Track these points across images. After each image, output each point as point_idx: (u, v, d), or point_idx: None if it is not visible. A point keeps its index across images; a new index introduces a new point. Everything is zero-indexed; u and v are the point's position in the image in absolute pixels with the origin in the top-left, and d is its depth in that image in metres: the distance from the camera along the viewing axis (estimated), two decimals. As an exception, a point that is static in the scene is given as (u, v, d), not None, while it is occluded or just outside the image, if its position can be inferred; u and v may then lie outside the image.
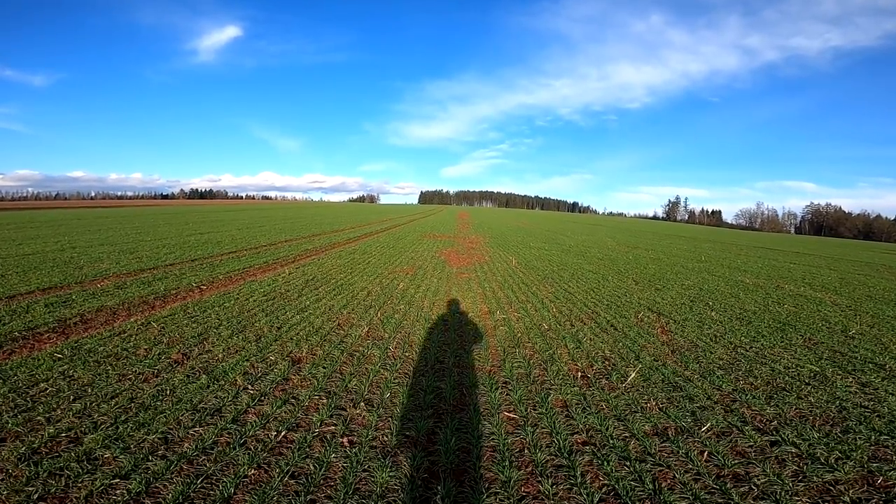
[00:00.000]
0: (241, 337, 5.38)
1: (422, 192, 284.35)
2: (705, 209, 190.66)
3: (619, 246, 22.07)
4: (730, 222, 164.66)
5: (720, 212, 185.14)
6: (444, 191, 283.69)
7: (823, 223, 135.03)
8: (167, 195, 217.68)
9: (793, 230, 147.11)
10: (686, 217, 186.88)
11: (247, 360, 4.67)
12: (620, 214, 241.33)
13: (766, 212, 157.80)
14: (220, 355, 4.80)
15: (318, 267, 10.69)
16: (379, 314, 6.43)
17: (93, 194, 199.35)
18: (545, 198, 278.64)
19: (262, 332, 5.54)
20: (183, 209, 53.90)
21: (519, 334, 5.81)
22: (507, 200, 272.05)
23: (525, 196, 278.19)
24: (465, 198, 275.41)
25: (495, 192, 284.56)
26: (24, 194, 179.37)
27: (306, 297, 7.34)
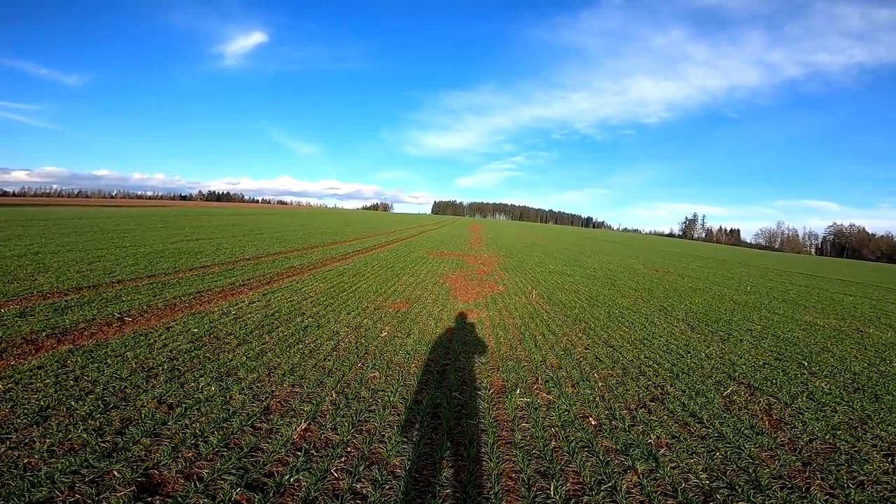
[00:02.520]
0: (97, 422, 3.37)
1: (435, 202, 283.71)
2: (723, 227, 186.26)
3: (648, 270, 19.67)
4: (749, 241, 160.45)
5: (739, 230, 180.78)
6: (458, 202, 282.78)
7: (846, 244, 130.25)
8: (186, 196, 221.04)
9: (813, 251, 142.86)
10: (703, 235, 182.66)
11: (68, 474, 2.66)
12: (636, 231, 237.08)
13: (786, 231, 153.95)
14: (35, 457, 2.81)
15: (292, 293, 8.63)
16: (337, 390, 4.25)
17: (114, 193, 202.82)
18: (559, 212, 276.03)
19: (138, 416, 3.47)
20: (191, 211, 52.75)
21: (553, 443, 3.59)
22: (521, 213, 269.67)
23: (539, 209, 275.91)
24: (479, 209, 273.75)
25: (509, 204, 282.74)
26: (48, 191, 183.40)
27: (247, 348, 5.24)
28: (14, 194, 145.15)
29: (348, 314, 7.17)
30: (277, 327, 6.15)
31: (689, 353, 6.51)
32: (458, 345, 5.98)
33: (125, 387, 4.02)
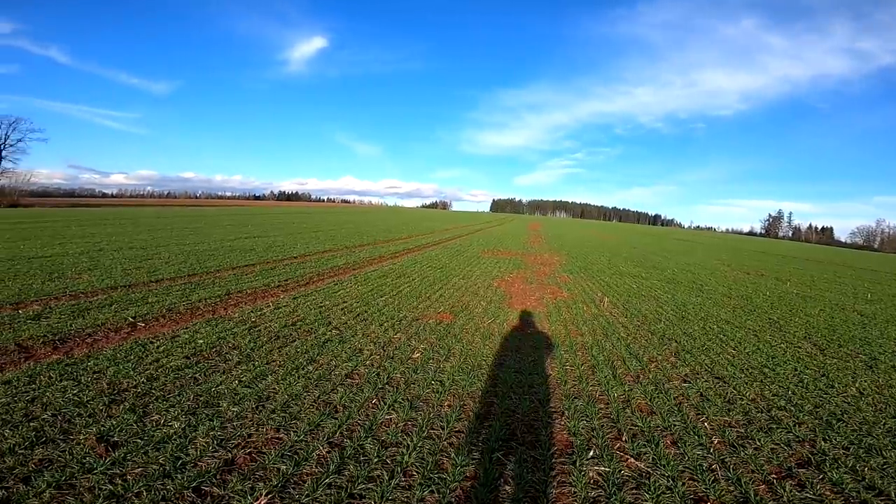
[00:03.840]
0: (12, 460, 2.56)
1: (494, 200, 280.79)
2: (813, 225, 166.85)
3: (737, 272, 16.92)
4: (843, 240, 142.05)
5: (832, 229, 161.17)
6: (517, 199, 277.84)
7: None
8: (259, 196, 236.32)
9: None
10: (790, 234, 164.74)
11: None
12: (709, 229, 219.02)
13: (886, 229, 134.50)
14: None
15: (326, 296, 7.75)
16: (333, 441, 3.08)
17: (199, 193, 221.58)
18: (623, 209, 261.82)
19: (62, 457, 2.55)
20: (261, 210, 55.32)
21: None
22: (582, 211, 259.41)
23: (601, 207, 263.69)
24: (538, 207, 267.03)
25: (569, 201, 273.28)
26: (142, 192, 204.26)
27: (246, 368, 4.27)
28: (113, 196, 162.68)
29: (380, 326, 6.06)
30: (293, 341, 5.17)
31: (833, 387, 4.70)
32: (511, 373, 4.62)
33: (77, 414, 3.19)
